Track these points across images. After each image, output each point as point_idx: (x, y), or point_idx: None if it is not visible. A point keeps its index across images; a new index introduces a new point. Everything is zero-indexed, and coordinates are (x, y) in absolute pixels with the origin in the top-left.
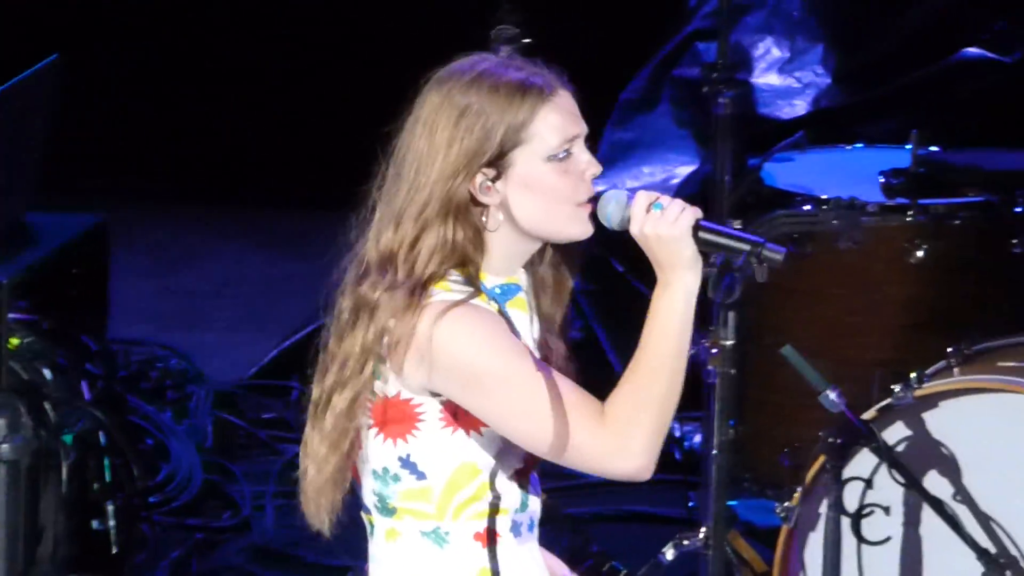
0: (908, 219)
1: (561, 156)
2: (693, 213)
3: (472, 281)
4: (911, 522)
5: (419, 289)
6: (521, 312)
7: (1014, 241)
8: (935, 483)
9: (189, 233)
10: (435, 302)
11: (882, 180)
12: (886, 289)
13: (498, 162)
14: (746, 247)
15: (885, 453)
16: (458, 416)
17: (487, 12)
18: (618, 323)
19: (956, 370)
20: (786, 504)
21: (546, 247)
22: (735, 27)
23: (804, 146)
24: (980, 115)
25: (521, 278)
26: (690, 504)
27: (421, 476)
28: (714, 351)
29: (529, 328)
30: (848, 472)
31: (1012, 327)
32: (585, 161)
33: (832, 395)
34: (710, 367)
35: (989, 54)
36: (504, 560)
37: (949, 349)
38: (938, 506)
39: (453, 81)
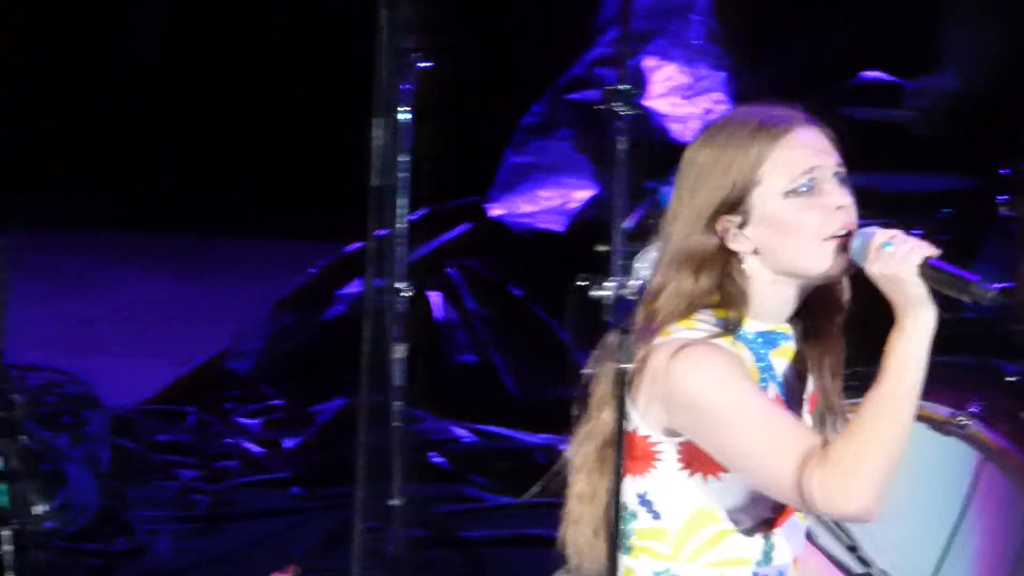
0: None
1: (802, 190)
2: (921, 252)
3: (728, 324)
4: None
5: (655, 328)
6: (788, 361)
7: None
8: None
9: (85, 258)
10: (674, 339)
11: None
12: None
13: (740, 207)
14: (965, 286)
15: None
16: (697, 459)
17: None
18: (515, 348)
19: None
20: None
21: (818, 293)
22: (636, 53)
23: None
24: (879, 137)
25: (794, 327)
26: None
27: (656, 516)
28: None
29: (796, 378)
30: None
31: None
32: (833, 194)
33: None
34: None
35: (888, 76)
36: None
37: (845, 372)
38: (837, 531)
39: (699, 137)
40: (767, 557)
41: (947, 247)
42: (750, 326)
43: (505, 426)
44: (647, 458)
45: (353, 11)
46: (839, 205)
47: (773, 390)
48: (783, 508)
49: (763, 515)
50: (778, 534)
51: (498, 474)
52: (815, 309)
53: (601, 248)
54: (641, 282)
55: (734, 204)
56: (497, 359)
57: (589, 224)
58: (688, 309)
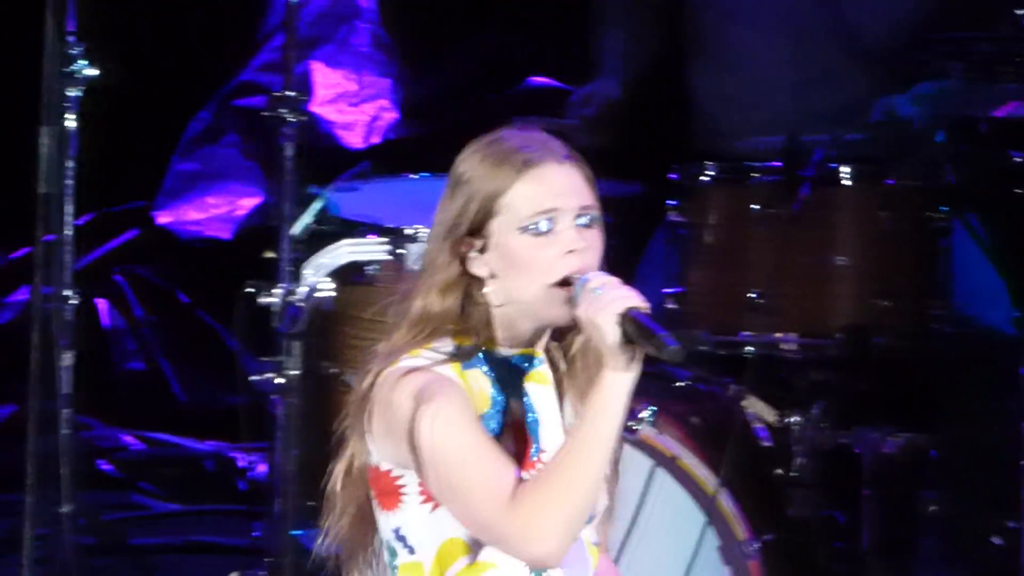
0: None
1: (536, 230)
2: (625, 303)
3: (460, 351)
4: None
5: (389, 355)
6: (541, 386)
7: None
8: None
9: None
10: (399, 368)
11: None
12: None
13: (480, 232)
14: (655, 342)
15: None
16: None
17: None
18: (183, 355)
19: None
20: None
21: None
22: (303, 59)
23: (368, 176)
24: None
25: (554, 352)
26: (255, 534)
27: (412, 550)
28: (280, 381)
29: (556, 405)
30: None
31: None
32: (567, 238)
33: None
34: (275, 397)
35: (555, 82)
36: None
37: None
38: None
39: (465, 150)
40: None
41: (613, 254)
42: (496, 352)
43: (173, 433)
44: (394, 493)
45: (20, 18)
46: (570, 250)
47: (511, 417)
48: None
49: None
50: (553, 568)
51: (166, 481)
52: (570, 334)
53: (269, 255)
54: (309, 288)
55: (475, 228)
56: (165, 366)
57: (257, 231)
58: (429, 334)
